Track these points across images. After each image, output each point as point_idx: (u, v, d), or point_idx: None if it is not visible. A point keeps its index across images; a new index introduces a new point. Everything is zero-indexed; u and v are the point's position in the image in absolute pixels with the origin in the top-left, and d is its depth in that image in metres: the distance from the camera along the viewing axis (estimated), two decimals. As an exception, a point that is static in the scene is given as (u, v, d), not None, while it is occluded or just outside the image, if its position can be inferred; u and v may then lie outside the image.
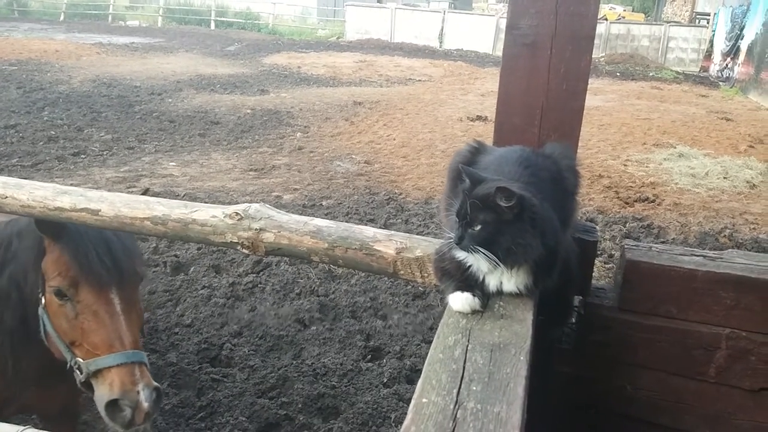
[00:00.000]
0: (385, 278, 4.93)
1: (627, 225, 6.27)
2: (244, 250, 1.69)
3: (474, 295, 1.02)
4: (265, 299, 4.57)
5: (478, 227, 1.01)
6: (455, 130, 9.83)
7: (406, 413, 2.78)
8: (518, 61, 1.45)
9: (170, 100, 11.32)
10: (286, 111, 10.88)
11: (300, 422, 3.32)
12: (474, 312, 1.01)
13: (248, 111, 10.72)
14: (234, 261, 5.11)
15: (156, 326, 4.09)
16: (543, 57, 1.34)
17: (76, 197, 1.76)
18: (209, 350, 3.87)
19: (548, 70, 1.35)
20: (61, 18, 26.37)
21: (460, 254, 1.05)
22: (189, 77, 13.64)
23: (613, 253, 5.54)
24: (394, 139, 9.23)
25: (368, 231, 1.61)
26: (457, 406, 0.75)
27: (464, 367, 0.83)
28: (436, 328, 3.47)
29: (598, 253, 5.52)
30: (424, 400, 0.76)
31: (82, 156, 7.78)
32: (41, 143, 8.13)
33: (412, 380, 3.72)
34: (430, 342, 3.77)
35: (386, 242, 1.56)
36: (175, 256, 5.11)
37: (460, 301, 1.02)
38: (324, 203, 6.51)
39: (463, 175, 1.06)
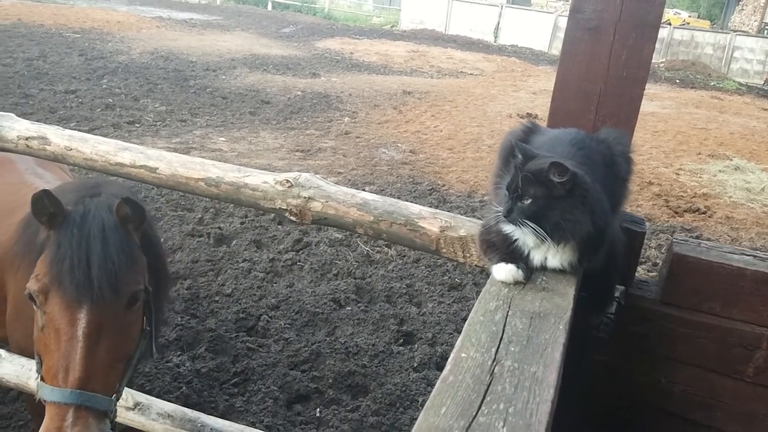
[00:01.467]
0: (423, 267, 4.96)
1: (675, 235, 6.12)
2: (292, 218, 1.74)
3: (518, 267, 1.04)
4: (303, 277, 4.65)
5: (528, 201, 1.02)
6: (504, 126, 9.74)
7: (434, 398, 2.78)
8: (579, 46, 1.44)
9: (224, 77, 11.53)
10: (336, 95, 10.95)
11: (329, 397, 3.38)
12: (516, 283, 1.03)
13: (298, 93, 10.84)
14: (275, 238, 5.21)
15: (198, 293, 4.21)
16: (605, 42, 1.34)
17: (137, 154, 1.84)
18: (247, 320, 3.97)
19: (609, 56, 1.34)
20: (125, -9, 27.05)
21: (508, 227, 1.06)
22: (243, 56, 13.86)
23: (657, 261, 5.43)
24: (441, 131, 9.20)
25: (414, 207, 1.64)
26: (494, 363, 0.77)
27: (504, 330, 0.84)
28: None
29: (642, 261, 5.41)
30: (463, 354, 0.78)
31: (137, 125, 8.01)
32: (99, 110, 8.40)
33: (442, 367, 3.71)
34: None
35: (431, 219, 1.58)
36: (219, 228, 5.24)
37: (503, 271, 1.03)
38: (367, 189, 6.55)
39: (516, 150, 1.07)
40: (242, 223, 5.40)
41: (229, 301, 4.19)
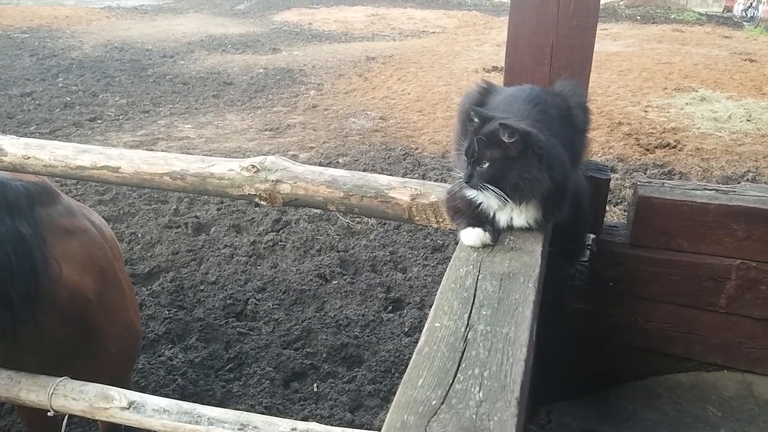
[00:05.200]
0: (404, 233, 4.98)
1: (648, 172, 6.20)
2: (262, 202, 1.73)
3: (485, 231, 1.05)
4: (286, 256, 4.65)
5: (486, 164, 1.02)
6: (471, 82, 9.68)
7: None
8: (527, 0, 1.44)
9: (182, 62, 11.27)
10: (299, 69, 10.78)
11: (325, 371, 3.43)
12: (485, 246, 1.04)
13: (261, 70, 10.65)
14: (254, 220, 5.18)
15: (182, 284, 4.20)
16: (552, -7, 1.33)
17: (96, 155, 1.81)
18: (235, 305, 3.98)
19: (558, 6, 1.34)
20: (70, -16, 26.11)
21: (470, 192, 1.07)
22: (200, 38, 13.53)
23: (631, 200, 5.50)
24: (409, 94, 9.13)
25: (383, 179, 1.64)
26: (468, 329, 0.79)
27: (475, 295, 0.86)
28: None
29: (618, 201, 5.49)
30: (436, 324, 0.80)
31: (99, 121, 7.84)
32: (57, 110, 8.20)
33: (432, 329, 3.79)
34: (450, 292, 3.80)
35: (401, 189, 1.58)
36: (196, 217, 5.19)
37: (471, 236, 1.05)
38: (341, 160, 6.52)
39: (471, 114, 1.08)
40: (219, 210, 5.36)
41: (214, 288, 4.19)
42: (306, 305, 4.04)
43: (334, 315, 3.90)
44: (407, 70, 10.52)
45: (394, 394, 2.59)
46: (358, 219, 5.23)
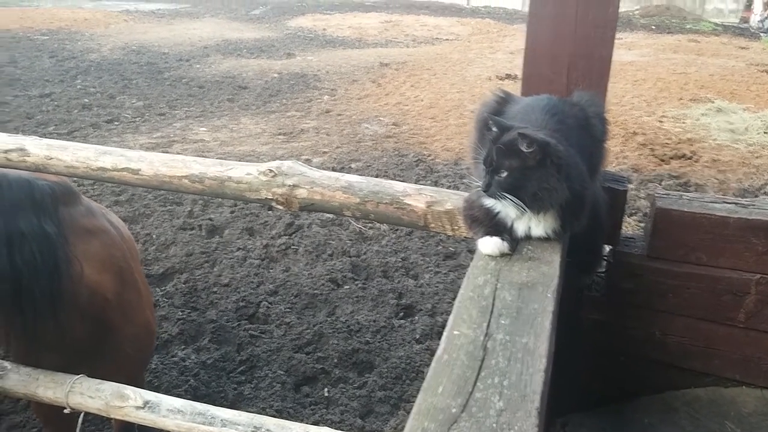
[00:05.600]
0: (416, 239, 4.98)
1: (663, 183, 6.16)
2: (279, 206, 1.75)
3: (503, 240, 1.05)
4: (299, 260, 4.67)
5: (504, 174, 1.03)
6: (484, 90, 9.69)
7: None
8: (545, 10, 1.44)
9: (198, 65, 11.38)
10: (313, 74, 10.84)
11: (336, 376, 3.43)
12: (503, 255, 1.05)
13: (275, 75, 10.72)
14: (267, 224, 5.21)
15: (195, 286, 4.22)
16: (570, 4, 1.34)
17: (117, 157, 1.83)
18: (247, 308, 4.00)
19: (575, 16, 1.34)
20: (89, -13, 26.43)
21: (488, 201, 1.07)
22: (215, 42, 13.66)
23: (647, 212, 5.47)
24: (422, 100, 9.15)
25: (398, 185, 1.65)
26: (487, 338, 0.79)
27: (493, 304, 0.86)
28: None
29: (633, 211, 5.46)
30: (455, 332, 0.80)
31: (116, 123, 7.92)
32: (76, 111, 8.29)
33: (443, 336, 3.79)
34: (461, 299, 3.79)
35: (416, 196, 1.59)
36: (210, 219, 5.23)
37: (489, 245, 1.05)
38: (353, 166, 6.54)
39: (490, 123, 1.08)
40: (232, 212, 5.39)
41: (227, 290, 4.21)
42: (318, 309, 4.05)
43: (346, 320, 3.91)
44: (420, 77, 10.54)
45: (405, 401, 2.60)
46: (370, 224, 5.24)
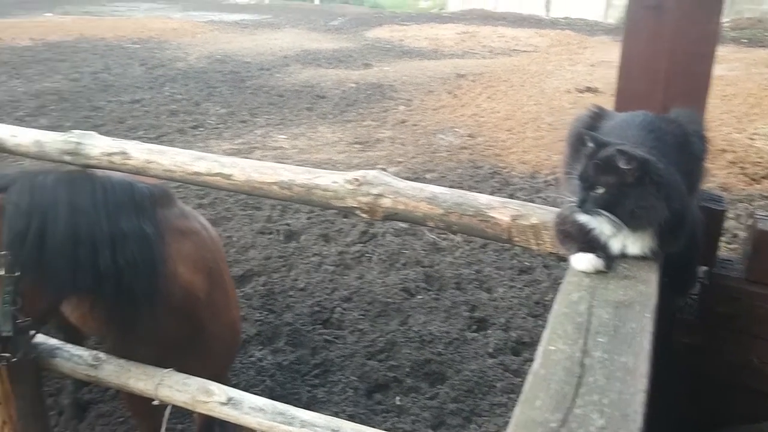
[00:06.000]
0: (490, 252, 4.94)
1: (754, 203, 5.84)
2: (363, 215, 1.79)
3: (597, 256, 1.04)
4: (372, 268, 4.73)
5: (601, 190, 1.02)
6: (563, 102, 9.50)
7: (512, 384, 2.84)
8: (642, 25, 1.42)
9: (278, 75, 11.73)
10: (389, 84, 10.95)
11: (408, 385, 3.45)
12: (597, 272, 1.04)
13: (352, 85, 10.91)
14: (342, 231, 5.31)
15: (273, 289, 4.35)
16: (668, 20, 1.31)
17: (211, 162, 1.92)
18: (321, 313, 4.08)
19: (674, 34, 1.31)
20: (178, -3, 27.81)
21: (582, 217, 1.07)
22: (295, 52, 14.04)
23: (737, 232, 5.19)
24: (499, 112, 9.07)
25: (482, 198, 1.65)
26: (584, 354, 0.79)
27: (589, 321, 0.86)
28: (543, 303, 3.46)
29: (721, 232, 5.20)
30: (551, 347, 0.80)
31: (200, 129, 8.28)
32: (164, 117, 8.72)
33: (518, 352, 3.74)
34: (537, 316, 3.77)
35: (501, 209, 1.59)
36: (287, 224, 5.38)
37: (583, 261, 1.04)
38: (428, 176, 6.56)
39: (586, 139, 1.08)
40: (309, 219, 5.53)
41: (303, 295, 4.32)
42: (390, 318, 4.09)
43: (418, 330, 3.92)
44: (497, 88, 10.46)
45: (477, 415, 2.59)
46: (444, 235, 5.23)
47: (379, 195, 1.73)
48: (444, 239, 5.17)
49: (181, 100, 9.67)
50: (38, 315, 1.78)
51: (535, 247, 1.55)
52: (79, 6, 21.99)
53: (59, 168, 1.89)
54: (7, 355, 1.86)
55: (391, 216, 1.77)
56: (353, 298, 4.29)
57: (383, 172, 1.79)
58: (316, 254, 4.89)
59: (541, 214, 1.53)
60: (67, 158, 1.98)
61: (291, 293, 4.33)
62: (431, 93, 10.35)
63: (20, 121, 8.47)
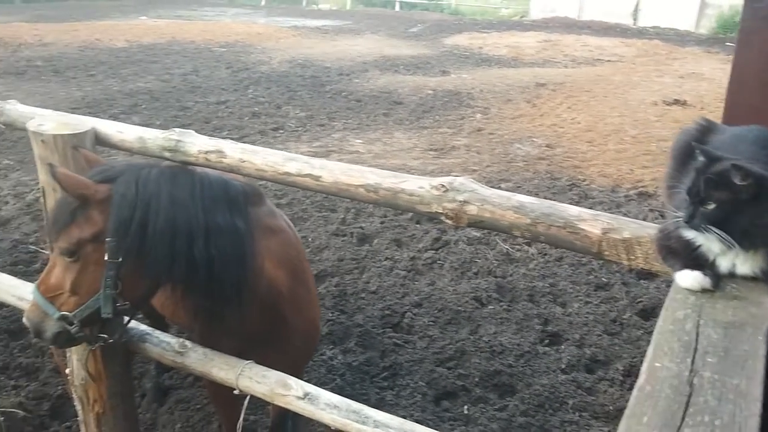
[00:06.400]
0: (566, 266, 4.82)
1: None
2: (448, 221, 1.79)
3: (705, 275, 1.00)
4: (444, 275, 4.71)
5: (712, 206, 0.98)
6: (648, 115, 9.17)
7: (584, 401, 2.76)
8: (755, 36, 1.35)
9: (357, 80, 11.91)
10: (467, 92, 10.91)
11: (476, 395, 3.41)
12: (703, 291, 1.00)
13: (429, 92, 10.93)
14: (414, 237, 5.32)
15: (345, 290, 4.42)
16: (787, 31, 1.24)
17: (302, 164, 1.98)
18: (392, 317, 4.11)
19: (793, 44, 1.24)
20: (262, 3, 28.79)
21: (689, 233, 1.03)
22: (374, 58, 14.22)
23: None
24: (579, 123, 8.86)
25: (572, 209, 1.62)
26: (692, 374, 0.76)
27: (697, 340, 0.83)
28: (620, 321, 3.34)
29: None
30: (657, 364, 0.78)
31: (281, 131, 8.51)
32: (246, 118, 9.03)
33: (592, 370, 3.63)
34: (613, 334, 3.65)
35: (592, 222, 1.56)
36: (361, 228, 5.44)
37: (689, 279, 1.00)
38: (503, 186, 6.47)
39: (696, 152, 1.04)
40: (382, 223, 5.57)
41: (374, 298, 4.36)
42: (461, 326, 4.06)
43: (489, 340, 3.87)
44: (578, 99, 10.22)
45: (547, 430, 2.52)
46: (518, 246, 5.16)
47: (465, 202, 1.73)
48: (518, 250, 5.09)
49: (263, 102, 9.98)
50: (136, 300, 1.88)
51: (626, 262, 1.51)
52: (172, 10, 23.15)
53: (160, 163, 2.00)
54: (104, 336, 1.98)
55: (476, 223, 1.76)
56: (424, 304, 4.29)
57: (470, 179, 1.79)
58: (388, 258, 4.93)
59: (634, 229, 1.49)
60: (167, 154, 2.08)
61: (362, 295, 4.37)
62: (509, 102, 10.24)
63: (114, 119, 8.97)
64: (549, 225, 1.61)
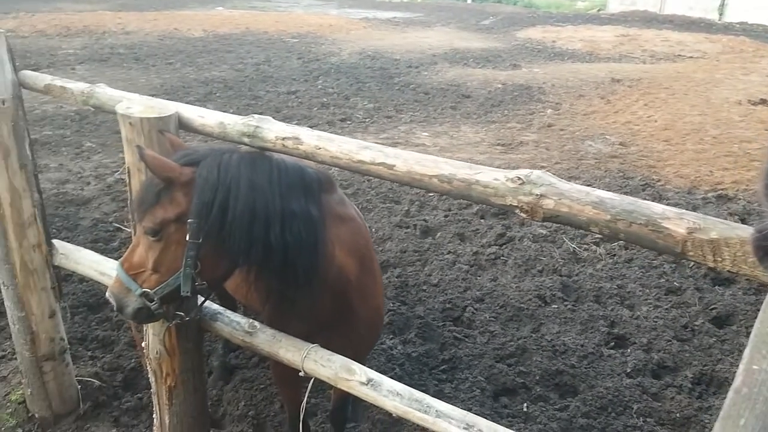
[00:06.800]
0: (636, 268, 4.67)
1: None
2: (522, 214, 1.76)
3: (803, 278, 0.95)
4: (507, 271, 4.66)
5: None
6: (732, 115, 8.72)
7: (650, 407, 2.67)
8: None
9: (426, 73, 11.87)
10: (538, 86, 10.69)
11: (536, 393, 3.36)
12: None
13: (499, 85, 10.77)
14: (478, 231, 5.27)
15: (406, 281, 4.43)
16: None
17: (376, 152, 1.98)
18: (453, 310, 4.09)
19: None
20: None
21: (789, 235, 0.98)
22: (444, 51, 14.12)
23: None
24: (656, 121, 8.52)
25: (656, 207, 1.56)
26: (792, 379, 0.73)
27: (796, 346, 0.79)
28: (692, 328, 3.21)
29: None
30: (755, 366, 0.75)
31: (348, 122, 8.59)
32: (315, 109, 9.16)
33: (659, 376, 3.51)
34: (683, 340, 3.50)
35: (676, 220, 1.49)
36: (424, 220, 5.44)
37: (785, 281, 0.95)
38: (572, 183, 6.31)
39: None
40: (446, 216, 5.55)
41: (435, 290, 4.35)
42: (522, 324, 4.00)
43: (551, 339, 3.80)
44: (656, 96, 9.83)
45: (609, 433, 2.44)
46: (585, 245, 5.03)
47: (542, 195, 1.69)
48: (585, 250, 4.97)
49: (332, 93, 10.10)
50: (213, 280, 1.95)
51: (711, 264, 1.44)
52: (246, 1, 23.70)
53: (240, 148, 2.06)
54: (181, 314, 2.07)
55: (552, 218, 1.73)
56: (485, 299, 4.25)
57: (547, 172, 1.75)
58: (450, 252, 4.90)
59: (723, 229, 1.42)
60: (246, 140, 2.14)
61: (424, 287, 4.37)
62: (582, 97, 9.96)
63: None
64: (630, 222, 1.56)
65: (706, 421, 3.15)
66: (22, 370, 3.05)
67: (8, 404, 3.16)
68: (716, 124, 8.26)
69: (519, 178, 1.75)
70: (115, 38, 14.58)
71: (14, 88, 2.56)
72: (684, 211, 1.53)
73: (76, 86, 2.51)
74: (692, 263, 4.63)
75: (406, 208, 5.69)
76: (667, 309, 4.13)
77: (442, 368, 3.56)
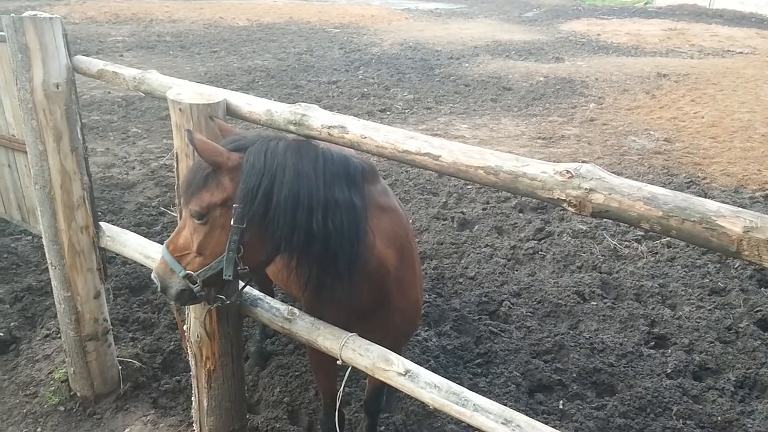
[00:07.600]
0: (678, 267, 4.56)
1: None
2: (570, 208, 1.72)
3: None
4: (545, 267, 4.60)
5: None
6: (783, 112, 8.42)
7: (690, 409, 2.61)
8: None
9: (467, 64, 11.76)
10: (581, 80, 10.49)
11: (573, 390, 3.32)
12: None
13: (541, 78, 10.61)
14: (516, 225, 5.22)
15: (443, 274, 4.42)
16: None
17: (422, 142, 1.97)
18: (489, 304, 4.06)
19: None
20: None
21: None
22: (486, 43, 13.97)
23: None
24: (703, 117, 8.28)
25: (711, 204, 1.52)
26: None
27: None
28: (736, 330, 3.12)
29: None
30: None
31: (388, 113, 8.58)
32: (356, 99, 9.17)
33: (700, 378, 3.43)
34: (726, 342, 3.42)
35: (732, 218, 1.45)
36: (462, 213, 5.40)
37: None
38: (614, 179, 6.19)
39: None
40: (484, 209, 5.51)
41: (472, 284, 4.33)
42: (560, 320, 3.95)
43: (589, 336, 3.75)
44: (703, 92, 9.55)
45: (648, 435, 2.39)
46: (626, 242, 4.93)
47: (591, 190, 1.66)
48: (626, 247, 4.87)
49: (372, 84, 10.09)
50: (255, 265, 1.97)
51: (767, 264, 1.40)
52: (289, -10, 23.81)
53: (287, 135, 2.07)
54: (222, 297, 2.10)
55: (600, 213, 1.69)
56: (522, 294, 4.21)
57: (597, 166, 1.72)
58: (488, 245, 4.86)
59: (781, 230, 1.37)
60: (292, 128, 2.15)
61: (460, 280, 4.35)
62: (626, 92, 9.74)
63: (232, 92, 9.42)
64: (683, 219, 1.52)
65: (749, 425, 3.07)
66: (66, 349, 3.12)
67: (51, 382, 3.26)
68: (766, 121, 7.97)
69: (568, 172, 1.72)
70: (162, 26, 14.85)
71: (68, 73, 2.63)
72: (740, 209, 1.48)
73: (128, 72, 2.56)
74: (737, 264, 4.50)
75: (444, 200, 5.67)
76: (710, 310, 4.03)
77: (477, 362, 3.54)
